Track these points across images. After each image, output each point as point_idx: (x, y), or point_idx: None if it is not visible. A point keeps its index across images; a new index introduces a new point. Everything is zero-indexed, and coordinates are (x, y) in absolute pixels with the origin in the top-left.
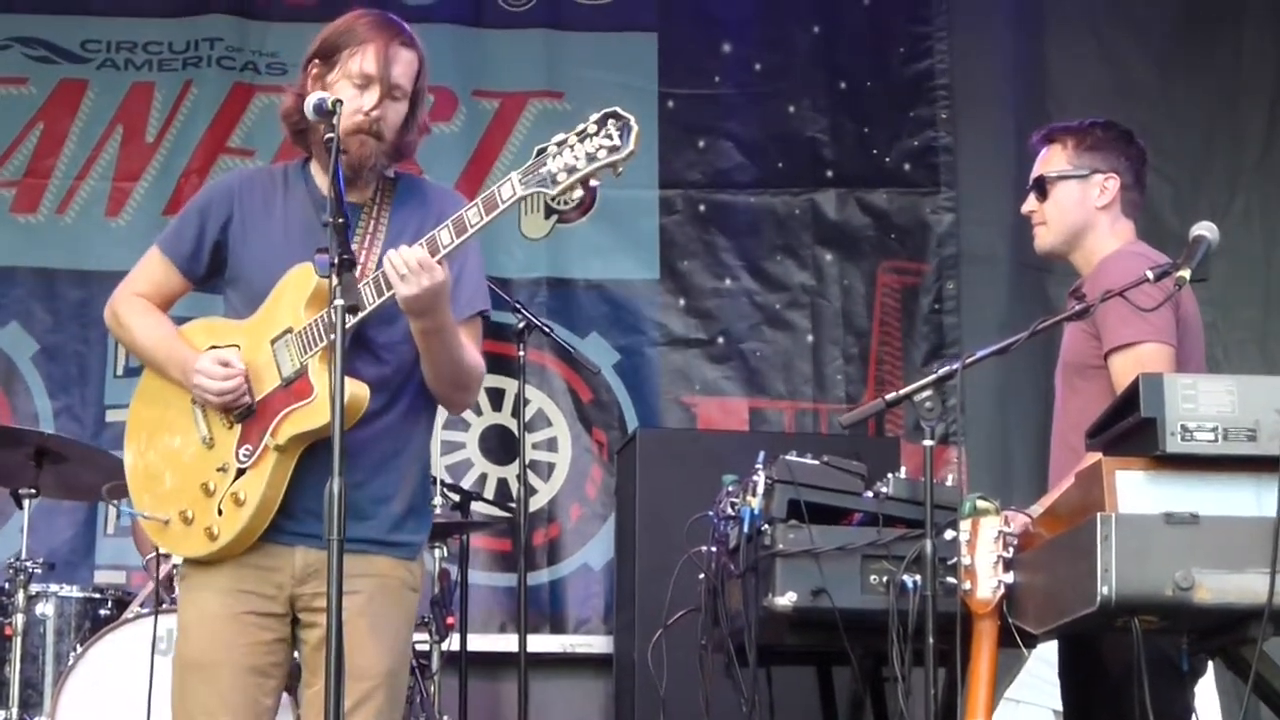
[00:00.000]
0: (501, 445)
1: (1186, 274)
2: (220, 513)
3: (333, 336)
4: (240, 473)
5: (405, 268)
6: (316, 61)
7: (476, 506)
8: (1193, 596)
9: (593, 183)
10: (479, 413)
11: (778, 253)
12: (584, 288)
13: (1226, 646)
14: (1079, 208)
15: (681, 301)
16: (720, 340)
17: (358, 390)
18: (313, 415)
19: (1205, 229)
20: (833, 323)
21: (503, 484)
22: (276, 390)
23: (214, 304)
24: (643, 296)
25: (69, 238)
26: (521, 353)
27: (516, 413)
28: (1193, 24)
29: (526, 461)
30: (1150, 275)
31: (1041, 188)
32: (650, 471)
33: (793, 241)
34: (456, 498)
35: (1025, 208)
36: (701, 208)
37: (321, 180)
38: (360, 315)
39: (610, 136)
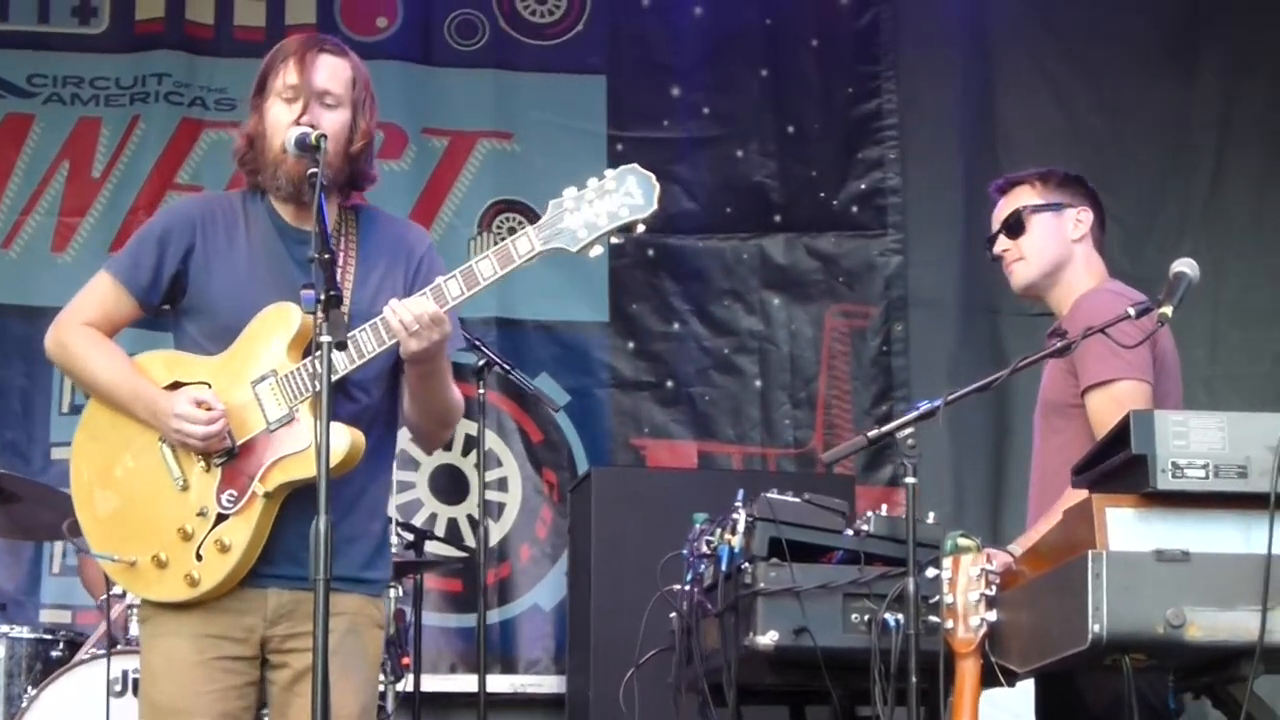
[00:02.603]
0: (452, 485)
1: (1169, 310)
2: (200, 558)
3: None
4: (221, 518)
5: (417, 323)
6: (255, 98)
7: (428, 546)
8: (1184, 634)
9: (613, 240)
10: (429, 452)
11: (726, 297)
12: (533, 329)
13: (1214, 685)
14: (1056, 240)
15: (630, 344)
16: (669, 384)
17: (356, 438)
18: (306, 464)
19: (1186, 265)
20: (780, 367)
21: (453, 524)
22: (261, 435)
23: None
24: (592, 339)
25: (14, 273)
26: (481, 391)
27: (467, 452)
28: (1142, 67)
29: (479, 502)
30: (1132, 312)
31: (1017, 223)
32: (605, 510)
33: (740, 286)
34: (410, 537)
35: (998, 248)
36: (650, 252)
37: (283, 209)
38: (361, 362)
39: (631, 194)
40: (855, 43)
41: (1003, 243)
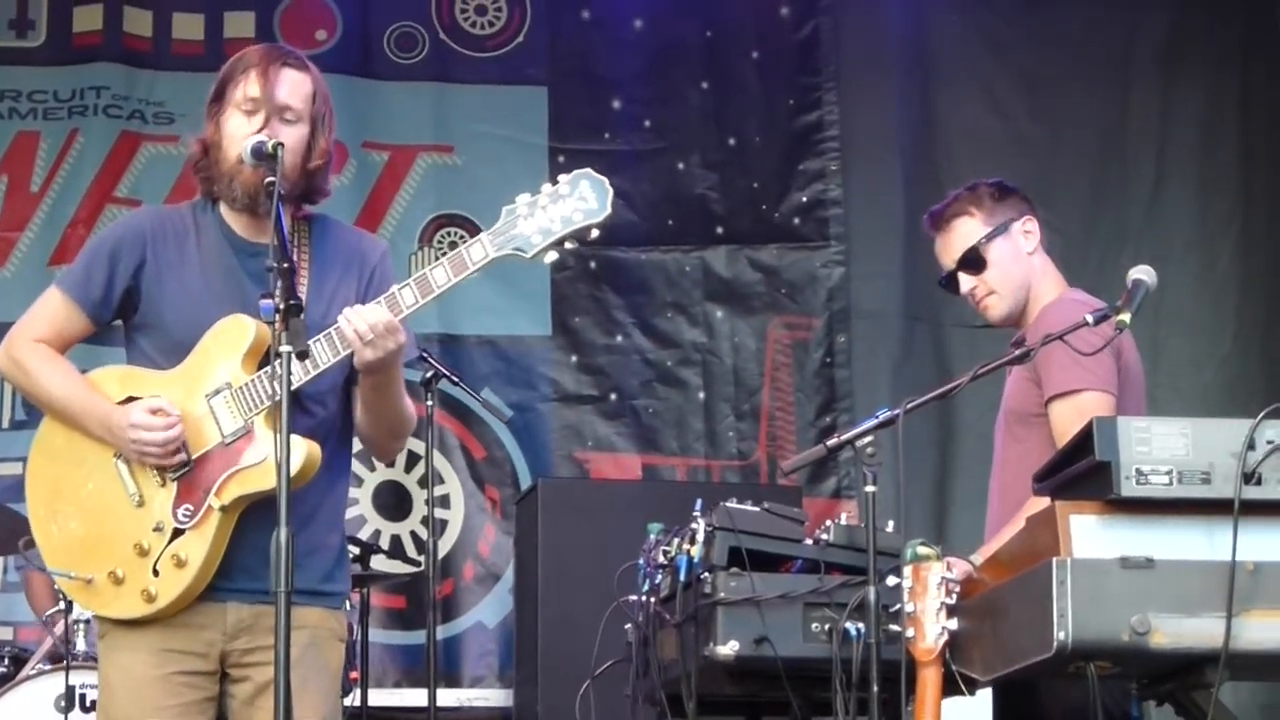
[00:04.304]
0: (395, 502)
1: (1127, 317)
2: (157, 574)
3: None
4: (178, 533)
5: (371, 332)
6: (212, 104)
7: (374, 562)
8: (1149, 641)
9: (567, 244)
10: (371, 468)
11: (668, 310)
12: (476, 344)
13: (1177, 692)
14: (1017, 261)
15: (573, 358)
16: (613, 397)
17: (312, 450)
18: (262, 476)
19: (1143, 272)
20: (724, 379)
21: (396, 540)
22: (216, 448)
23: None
24: (535, 353)
25: None
26: (430, 403)
27: (410, 468)
28: (1079, 77)
29: (421, 518)
30: (1090, 319)
31: (975, 260)
32: (551, 523)
33: (683, 299)
34: (356, 550)
35: (964, 288)
36: (592, 264)
37: (234, 221)
38: (316, 372)
39: (585, 199)
40: (796, 54)
41: (967, 281)
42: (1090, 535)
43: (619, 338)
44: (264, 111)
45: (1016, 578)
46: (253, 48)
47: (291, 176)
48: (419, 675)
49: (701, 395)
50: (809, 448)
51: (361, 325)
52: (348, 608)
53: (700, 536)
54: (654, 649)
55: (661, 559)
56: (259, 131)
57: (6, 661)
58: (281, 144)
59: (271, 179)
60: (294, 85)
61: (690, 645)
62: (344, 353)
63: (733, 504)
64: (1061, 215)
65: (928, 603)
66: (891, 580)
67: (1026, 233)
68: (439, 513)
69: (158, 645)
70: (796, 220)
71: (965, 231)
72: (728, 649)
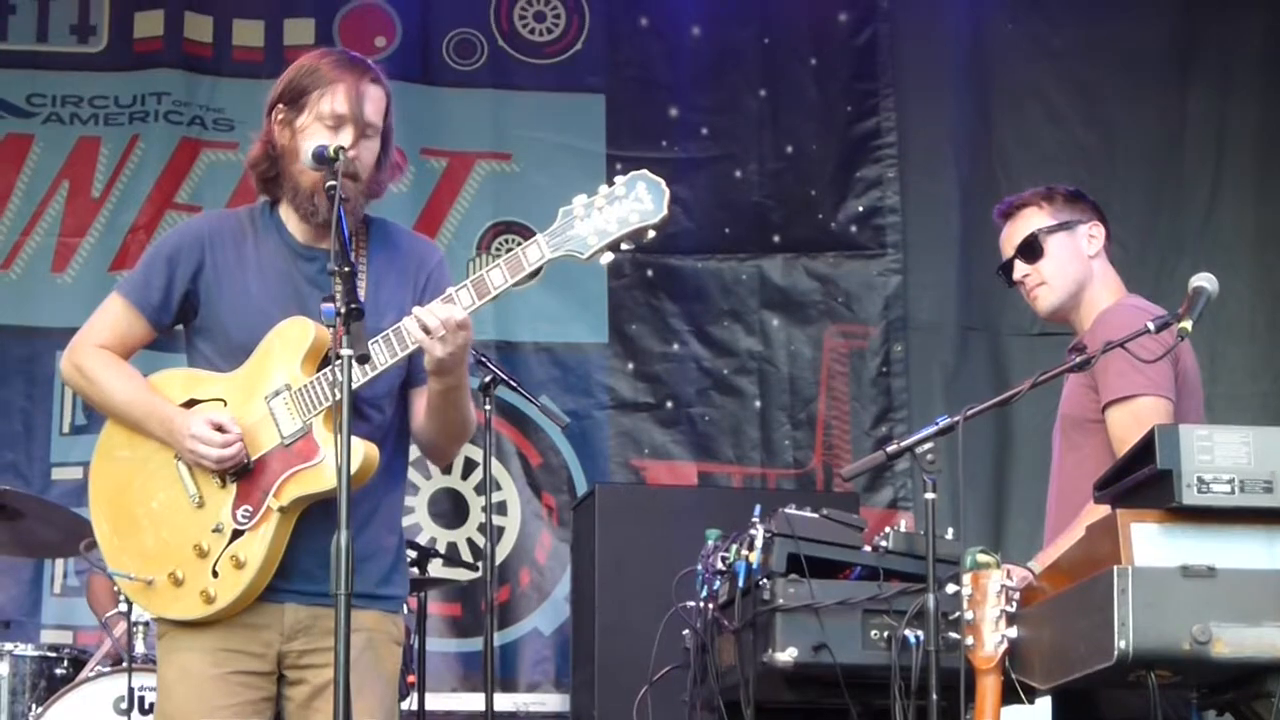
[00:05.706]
0: (451, 509)
1: (1189, 325)
2: (216, 575)
3: (338, 396)
4: (237, 534)
5: (444, 328)
6: (282, 106)
7: (430, 569)
8: (1210, 650)
9: (623, 246)
10: (428, 476)
11: (725, 318)
12: (533, 350)
13: (1238, 702)
14: (1076, 259)
15: (630, 365)
16: (669, 404)
17: (370, 451)
18: (320, 477)
19: (1205, 280)
20: (780, 388)
21: (452, 548)
22: (276, 449)
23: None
24: (591, 360)
25: (14, 294)
26: (488, 407)
27: (467, 475)
28: (1137, 86)
29: (478, 525)
30: (1151, 327)
31: (1033, 248)
32: (608, 528)
33: (740, 307)
34: (414, 554)
35: (1017, 274)
36: (649, 272)
37: (294, 225)
38: (375, 373)
39: (641, 200)
40: (854, 61)
41: (1021, 268)
42: (1151, 544)
43: (675, 346)
44: (351, 130)
45: (1077, 586)
46: (329, 58)
47: (364, 189)
48: (475, 681)
49: (757, 404)
50: (865, 457)
51: (433, 320)
52: (405, 611)
53: (759, 542)
54: (712, 655)
55: (720, 565)
56: (350, 150)
57: (66, 664)
58: (342, 148)
59: (333, 183)
60: (376, 102)
61: (748, 651)
62: (402, 354)
63: (791, 510)
64: (1118, 224)
65: (987, 610)
66: (951, 588)
67: (1091, 237)
68: (496, 519)
69: (216, 645)
70: (853, 228)
71: (1030, 221)
72: (786, 655)
